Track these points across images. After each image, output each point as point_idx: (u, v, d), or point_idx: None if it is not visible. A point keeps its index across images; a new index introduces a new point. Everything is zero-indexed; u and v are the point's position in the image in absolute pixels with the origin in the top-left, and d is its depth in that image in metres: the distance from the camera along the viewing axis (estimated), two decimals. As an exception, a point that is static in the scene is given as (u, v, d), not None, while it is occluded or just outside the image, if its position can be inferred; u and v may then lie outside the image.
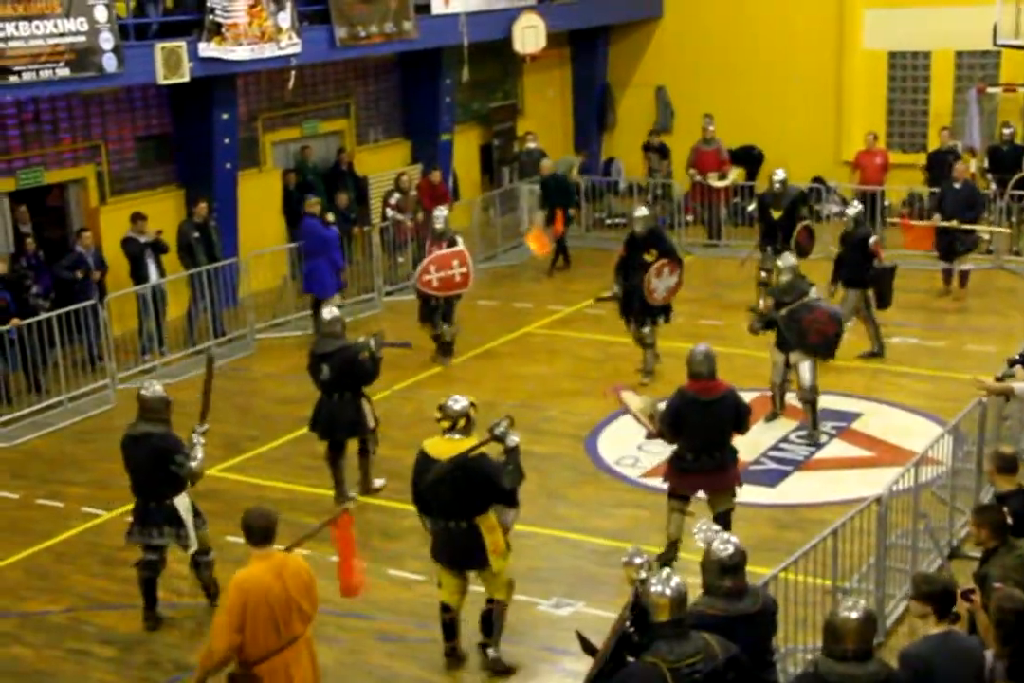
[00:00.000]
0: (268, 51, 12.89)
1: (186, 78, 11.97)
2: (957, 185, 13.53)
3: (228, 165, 13.72)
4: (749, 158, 17.62)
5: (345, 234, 13.85)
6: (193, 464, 7.17)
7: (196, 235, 12.49)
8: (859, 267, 11.23)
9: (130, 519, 7.46)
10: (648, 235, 11.03)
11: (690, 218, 16.57)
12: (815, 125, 17.62)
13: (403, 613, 7.43)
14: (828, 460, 9.19)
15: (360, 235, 14.46)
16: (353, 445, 9.09)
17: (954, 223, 13.14)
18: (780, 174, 12.76)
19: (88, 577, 8.00)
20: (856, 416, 10.26)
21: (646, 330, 11.06)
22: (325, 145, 15.89)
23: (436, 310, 11.66)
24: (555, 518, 8.44)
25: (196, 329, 12.61)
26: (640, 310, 11.04)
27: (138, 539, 7.35)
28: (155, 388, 7.32)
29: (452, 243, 11.66)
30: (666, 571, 5.06)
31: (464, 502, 6.51)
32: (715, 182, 16.09)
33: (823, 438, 9.66)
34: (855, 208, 11.60)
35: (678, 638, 4.71)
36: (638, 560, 5.43)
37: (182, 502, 7.32)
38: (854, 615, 4.58)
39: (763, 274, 12.45)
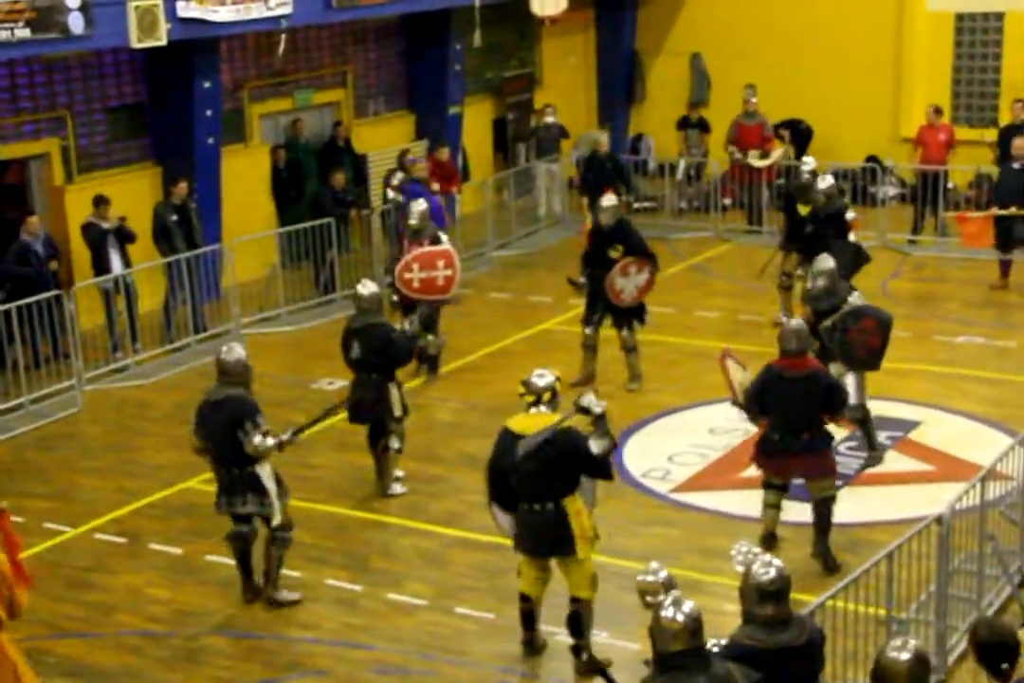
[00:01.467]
0: (256, 12, 12.90)
1: (163, 41, 11.99)
2: (1016, 165, 13.51)
3: (210, 140, 13.76)
4: (795, 133, 17.57)
5: (341, 218, 13.89)
6: (257, 439, 7.50)
7: (174, 218, 12.53)
8: (828, 244, 11.18)
9: (215, 490, 7.79)
10: (615, 228, 10.91)
11: (728, 201, 16.54)
12: (871, 97, 17.57)
13: (405, 642, 7.45)
14: (882, 475, 9.17)
15: (358, 219, 14.48)
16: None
17: (1013, 210, 13.07)
18: (811, 163, 12.66)
19: (51, 602, 8.03)
20: (914, 425, 10.23)
21: (624, 334, 11.00)
22: (319, 118, 15.91)
23: (414, 310, 11.15)
24: (575, 538, 8.42)
25: (174, 324, 12.66)
26: (612, 313, 10.97)
27: (226, 510, 7.75)
28: (236, 351, 7.70)
29: (435, 241, 11.32)
30: (676, 593, 5.06)
31: (553, 480, 6.78)
32: (756, 161, 16.07)
33: (884, 456, 9.54)
34: (825, 181, 11.62)
35: (692, 671, 4.68)
36: (651, 579, 5.43)
37: (264, 470, 7.63)
38: (903, 657, 4.54)
39: (784, 278, 12.32)
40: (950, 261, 14.72)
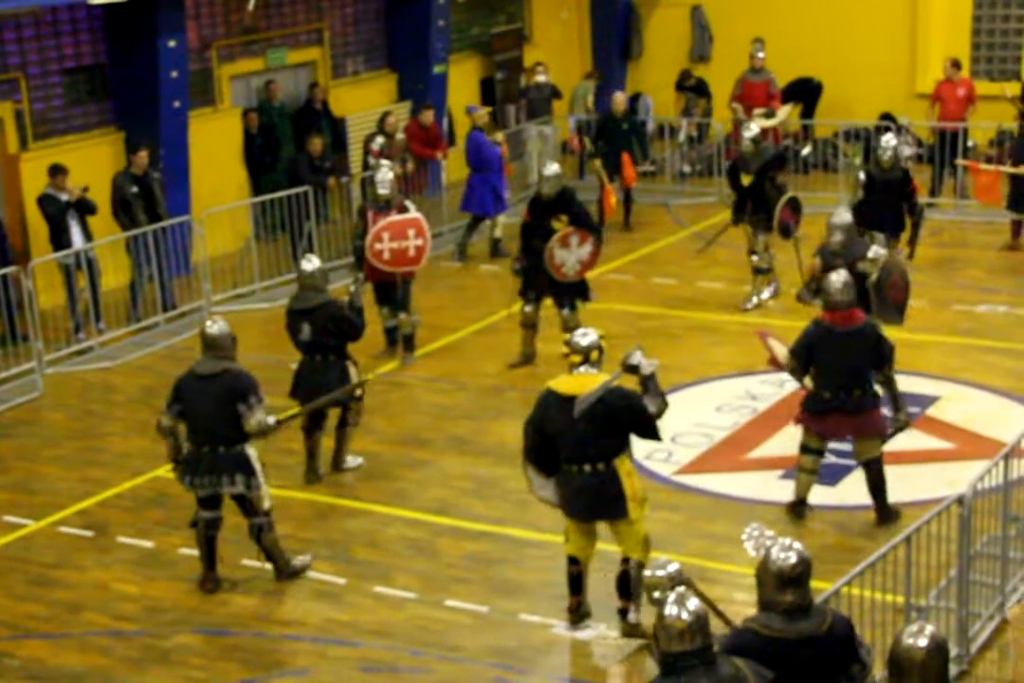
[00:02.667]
0: (223, -35, 12.83)
1: (124, -2, 11.92)
2: None
3: (176, 103, 13.68)
4: (805, 91, 17.49)
5: (319, 186, 13.83)
6: (260, 416, 7.58)
7: (134, 190, 12.45)
8: (892, 209, 11.47)
9: (181, 470, 7.81)
10: (558, 197, 10.86)
11: (733, 164, 16.48)
12: (884, 50, 17.50)
13: (393, 638, 7.45)
14: (900, 453, 9.17)
15: (337, 187, 14.43)
16: (333, 414, 9.40)
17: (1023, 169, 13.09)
18: (753, 129, 12.47)
19: (13, 600, 8.02)
20: (933, 400, 10.24)
21: (565, 313, 10.94)
22: (294, 79, 15.83)
23: (394, 293, 11.25)
24: (572, 524, 8.43)
25: (141, 302, 12.61)
26: (553, 290, 10.91)
27: (208, 490, 7.73)
28: (220, 323, 7.77)
29: (403, 210, 11.25)
30: (681, 590, 5.06)
31: (604, 440, 6.98)
32: (761, 121, 15.99)
33: (909, 421, 9.44)
34: (890, 142, 11.71)
35: (697, 673, 4.68)
36: (660, 573, 5.44)
37: (252, 450, 7.73)
38: (920, 643, 4.56)
39: (754, 258, 12.24)
40: (970, 225, 14.71)
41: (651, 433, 7.13)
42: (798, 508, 8.46)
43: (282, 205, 13.67)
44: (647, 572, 5.57)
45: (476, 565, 8.18)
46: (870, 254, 9.43)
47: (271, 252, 13.85)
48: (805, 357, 8.23)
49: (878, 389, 8.33)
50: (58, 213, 11.91)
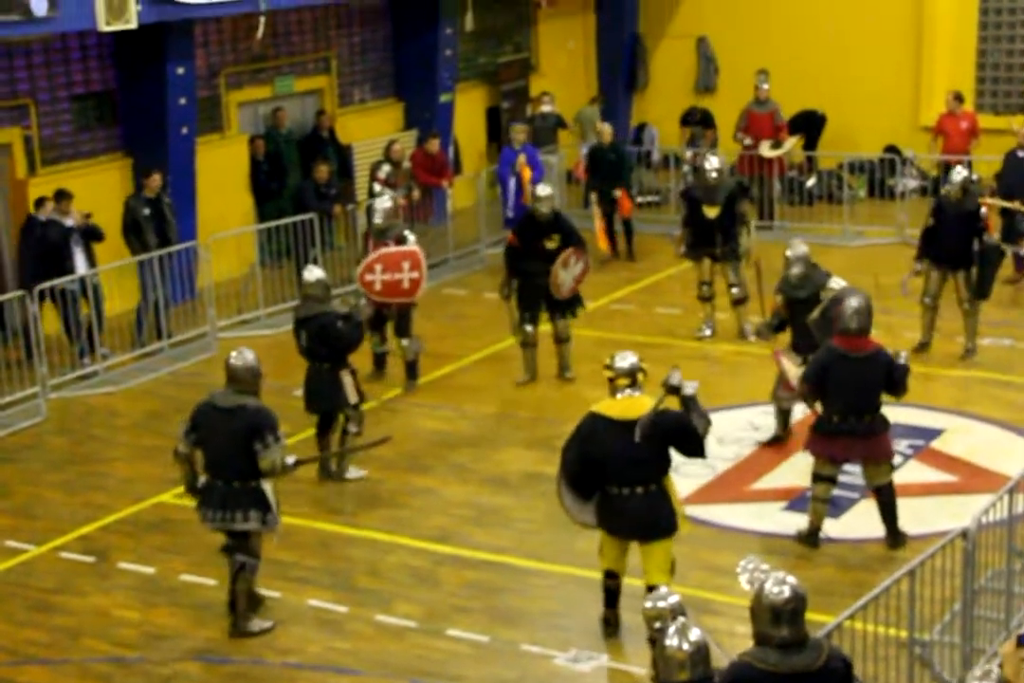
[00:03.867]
0: (232, -7, 12.92)
1: (133, 24, 11.98)
2: (1021, 153, 13.65)
3: (184, 130, 13.74)
4: (809, 123, 17.57)
5: (324, 213, 13.87)
6: (277, 455, 7.47)
7: (147, 212, 12.49)
8: (958, 244, 11.29)
9: (196, 503, 7.73)
10: (553, 218, 11.12)
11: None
12: (888, 83, 17.58)
13: (393, 667, 7.42)
14: (903, 486, 9.13)
15: (343, 215, 14.47)
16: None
17: (1017, 204, 13.14)
18: (714, 162, 12.46)
19: (13, 626, 8.00)
20: (937, 433, 10.21)
21: (561, 323, 11.28)
22: (301, 107, 15.90)
23: (386, 320, 11.31)
24: (573, 553, 8.43)
25: (146, 327, 12.62)
26: (548, 303, 11.20)
27: (219, 526, 7.64)
28: (247, 356, 7.72)
29: (400, 241, 11.31)
30: (682, 620, 5.06)
31: (659, 461, 7.17)
32: (767, 151, 16.07)
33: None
34: (960, 173, 11.56)
35: None
36: (662, 604, 5.42)
37: (268, 484, 7.64)
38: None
39: (703, 288, 12.31)
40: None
41: (700, 452, 7.30)
42: (812, 538, 8.48)
43: (287, 232, 13.70)
44: (647, 603, 5.55)
45: (477, 594, 8.15)
46: (831, 284, 9.40)
47: (276, 278, 13.88)
48: (818, 382, 8.31)
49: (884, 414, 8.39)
50: (61, 239, 11.92)
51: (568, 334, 11.37)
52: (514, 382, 11.43)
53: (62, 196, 12.00)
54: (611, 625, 7.53)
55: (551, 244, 11.02)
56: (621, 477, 7.16)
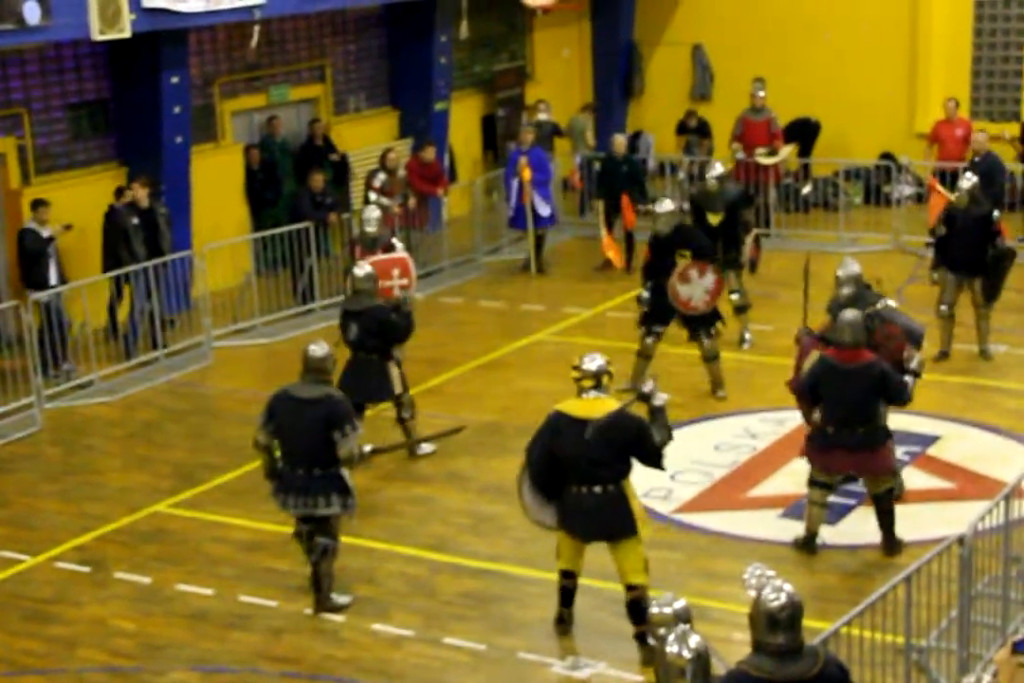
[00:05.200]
0: (227, 2, 12.91)
1: (127, 33, 11.99)
2: (976, 159, 13.89)
3: (179, 139, 13.77)
4: (803, 131, 17.63)
5: (320, 222, 13.91)
6: (354, 445, 7.83)
7: (135, 222, 12.50)
8: (972, 250, 11.34)
9: (273, 490, 7.99)
10: (674, 233, 11.00)
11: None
12: (883, 90, 17.64)
13: (390, 676, 7.44)
14: (927, 491, 9.19)
15: (338, 223, 14.50)
16: (389, 413, 10.25)
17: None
18: (717, 168, 12.61)
19: (8, 636, 8.01)
20: (934, 440, 10.25)
21: (706, 343, 11.06)
22: (296, 115, 15.94)
23: None
24: (572, 562, 8.43)
25: (140, 337, 12.64)
26: (685, 323, 11.10)
27: (302, 511, 7.89)
28: (324, 346, 8.07)
29: (389, 249, 11.45)
30: (683, 627, 5.09)
31: (614, 463, 7.23)
32: (764, 159, 16.12)
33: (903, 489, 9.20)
34: (969, 181, 11.60)
35: None
36: (667, 610, 5.45)
37: (346, 470, 7.94)
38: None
39: (733, 297, 12.22)
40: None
41: (654, 461, 7.35)
42: (810, 544, 8.49)
43: (283, 241, 13.74)
44: (654, 609, 5.57)
45: (474, 602, 8.17)
46: (879, 305, 9.14)
47: (272, 287, 13.90)
48: (811, 393, 8.35)
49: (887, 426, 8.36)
50: (39, 248, 11.87)
51: (712, 352, 11.04)
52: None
53: (38, 205, 11.98)
54: (564, 623, 7.65)
55: (683, 260, 10.89)
56: (579, 476, 7.26)
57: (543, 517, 7.47)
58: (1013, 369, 11.62)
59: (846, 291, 9.27)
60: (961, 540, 6.71)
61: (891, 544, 8.43)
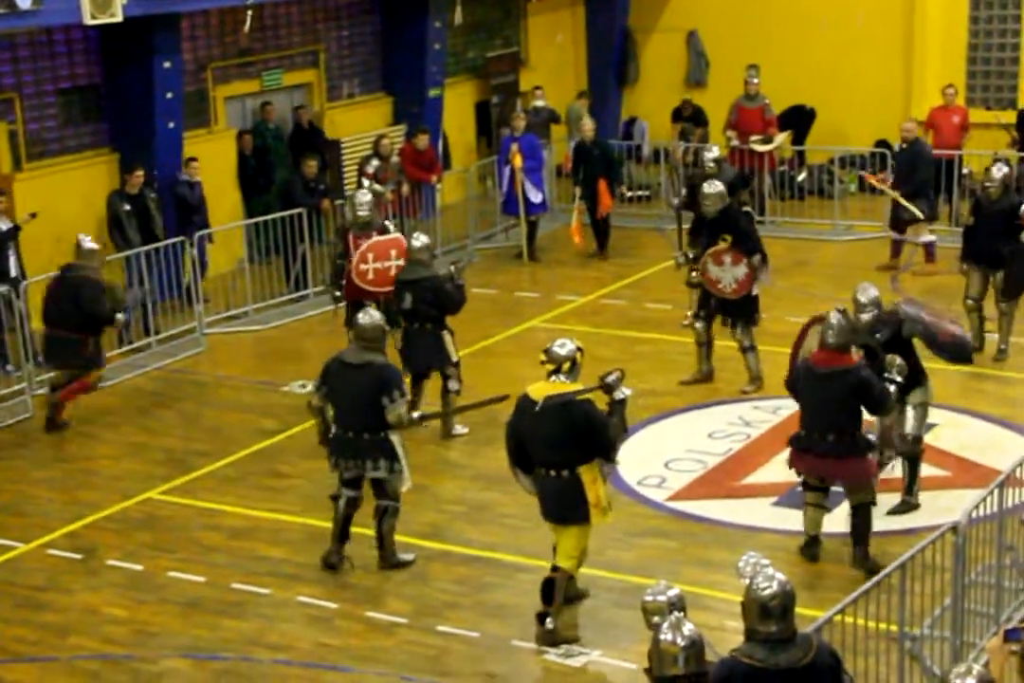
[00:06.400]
0: (219, -13, 12.90)
1: (119, 18, 11.96)
2: (903, 146, 14.00)
3: (171, 124, 13.72)
4: (798, 118, 17.61)
5: (313, 208, 13.87)
6: (403, 409, 8.10)
7: (127, 208, 12.46)
8: (996, 242, 11.11)
9: (328, 452, 8.31)
10: (721, 216, 10.93)
11: (728, 190, 16.55)
12: (879, 77, 17.62)
13: (383, 663, 7.45)
14: (894, 481, 9.19)
15: (331, 210, 14.46)
16: (436, 385, 10.37)
17: (896, 195, 13.60)
18: (714, 151, 12.71)
19: (0, 624, 8.00)
20: (929, 427, 10.21)
21: (737, 332, 11.00)
22: (289, 101, 15.90)
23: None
24: (565, 550, 8.44)
25: (131, 324, 12.60)
26: (722, 309, 11.06)
27: (353, 472, 8.23)
28: (374, 315, 8.37)
29: (384, 231, 11.51)
30: (677, 615, 5.10)
31: (566, 447, 7.26)
32: (758, 146, 16.10)
33: (919, 505, 9.03)
34: (1000, 170, 11.37)
35: None
36: (661, 598, 5.46)
37: (396, 436, 8.19)
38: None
39: (692, 274, 11.70)
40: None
41: (604, 453, 7.35)
42: (809, 549, 8.22)
43: (276, 227, 13.70)
44: (647, 597, 5.57)
45: (468, 590, 8.18)
46: (904, 331, 8.74)
47: (264, 274, 13.88)
48: (793, 391, 8.22)
49: (870, 437, 8.11)
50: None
51: (746, 343, 10.96)
52: (678, 381, 11.27)
53: None
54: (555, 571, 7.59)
55: (723, 244, 10.85)
56: (538, 458, 7.38)
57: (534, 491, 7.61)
58: (1010, 358, 11.61)
59: (866, 317, 8.66)
60: (955, 528, 6.72)
61: (862, 560, 7.98)
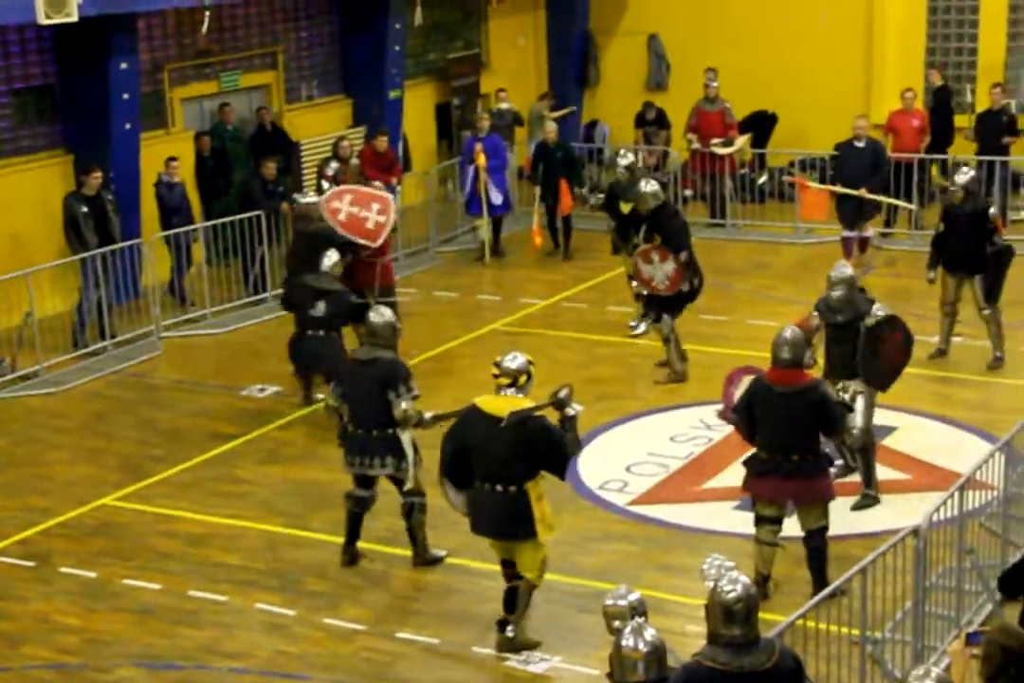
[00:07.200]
0: (177, -13, 12.81)
1: (74, 17, 11.84)
2: (859, 144, 14.01)
3: (127, 126, 13.61)
4: (760, 121, 17.66)
5: (272, 210, 13.78)
6: (407, 405, 8.12)
7: (84, 210, 12.34)
8: (969, 248, 11.09)
9: (344, 450, 8.35)
10: (651, 216, 11.24)
11: (689, 193, 16.61)
12: (839, 81, 17.69)
13: (342, 671, 7.38)
14: (855, 484, 9.21)
15: (290, 213, 14.36)
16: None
17: (863, 192, 13.64)
18: (628, 157, 12.73)
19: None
20: (889, 431, 10.29)
21: (664, 323, 11.26)
22: (248, 103, 15.80)
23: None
24: (526, 555, 8.39)
25: (87, 327, 12.48)
26: (649, 302, 11.33)
27: (358, 470, 8.29)
28: (386, 313, 8.44)
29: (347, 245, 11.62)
30: (638, 620, 5.06)
31: (518, 464, 7.19)
32: (719, 149, 16.13)
33: (880, 498, 9.06)
34: (965, 174, 11.35)
35: None
36: (622, 603, 5.42)
37: (405, 434, 8.23)
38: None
39: (634, 284, 11.92)
40: (925, 255, 14.74)
41: (558, 470, 7.28)
42: (761, 587, 7.52)
43: (234, 229, 13.60)
44: (608, 601, 5.55)
45: (428, 596, 8.13)
46: (875, 311, 8.85)
47: (222, 277, 13.77)
48: (747, 413, 7.83)
49: (830, 451, 8.01)
50: None
51: (664, 335, 11.24)
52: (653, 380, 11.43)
53: None
54: (512, 577, 7.54)
55: (650, 245, 11.17)
56: (483, 473, 7.28)
57: (462, 507, 7.55)
58: (968, 360, 11.65)
59: (837, 293, 8.90)
60: (916, 532, 6.73)
61: (821, 588, 7.37)
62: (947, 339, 11.63)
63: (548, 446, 7.18)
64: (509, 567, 7.52)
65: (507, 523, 7.27)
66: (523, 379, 7.31)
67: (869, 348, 8.84)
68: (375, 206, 11.14)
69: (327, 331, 10.46)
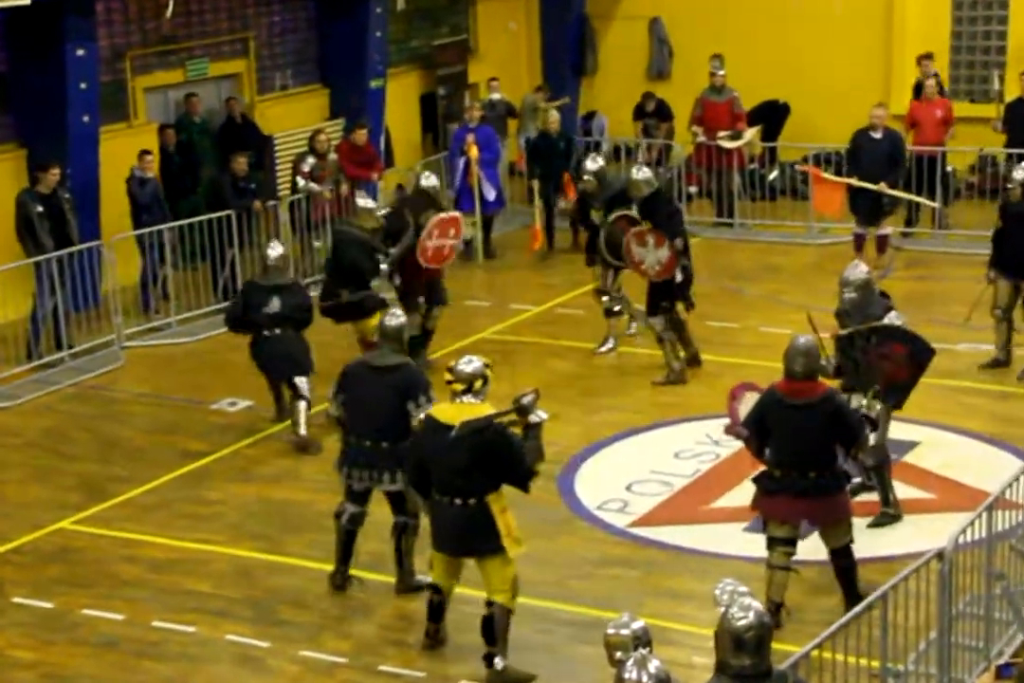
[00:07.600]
0: (139, -33, 12.85)
1: (26, 0, 11.87)
2: (876, 134, 14.13)
3: (85, 118, 13.65)
4: (771, 112, 17.72)
5: (243, 210, 13.80)
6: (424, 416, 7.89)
7: (40, 209, 12.35)
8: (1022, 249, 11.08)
9: (338, 463, 8.31)
10: (644, 202, 11.55)
11: (694, 189, 16.65)
12: (857, 69, 17.76)
13: (318, 709, 7.38)
14: (875, 504, 9.24)
15: (263, 212, 14.39)
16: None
17: (882, 187, 13.78)
18: (598, 161, 12.59)
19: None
20: (911, 446, 10.32)
21: (652, 321, 11.43)
22: (216, 93, 15.85)
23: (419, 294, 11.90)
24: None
25: (43, 336, 12.49)
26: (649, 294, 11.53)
27: (367, 485, 8.26)
28: (400, 317, 8.49)
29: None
30: (642, 651, 5.07)
31: (476, 475, 7.21)
32: (726, 143, 16.18)
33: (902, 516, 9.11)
34: (1022, 170, 11.37)
35: None
36: (624, 632, 5.43)
37: None
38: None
39: (604, 299, 12.15)
40: (949, 257, 14.89)
41: (519, 482, 7.34)
42: (775, 617, 7.49)
43: (202, 230, 13.62)
44: (610, 631, 5.54)
45: (412, 626, 8.12)
46: (891, 318, 8.87)
47: (190, 282, 13.79)
48: (758, 429, 7.88)
49: (850, 469, 8.06)
50: None
51: (657, 335, 11.54)
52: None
53: None
54: (431, 638, 7.70)
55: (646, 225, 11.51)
56: (441, 484, 7.33)
57: None
58: (995, 370, 11.68)
59: (850, 295, 8.96)
60: (940, 555, 6.73)
61: (852, 602, 7.53)
62: (1006, 347, 11.61)
63: (508, 456, 7.19)
64: (437, 593, 7.59)
65: (469, 539, 7.31)
66: (479, 384, 7.30)
67: (852, 358, 8.88)
68: (451, 231, 11.83)
69: (283, 329, 10.54)
